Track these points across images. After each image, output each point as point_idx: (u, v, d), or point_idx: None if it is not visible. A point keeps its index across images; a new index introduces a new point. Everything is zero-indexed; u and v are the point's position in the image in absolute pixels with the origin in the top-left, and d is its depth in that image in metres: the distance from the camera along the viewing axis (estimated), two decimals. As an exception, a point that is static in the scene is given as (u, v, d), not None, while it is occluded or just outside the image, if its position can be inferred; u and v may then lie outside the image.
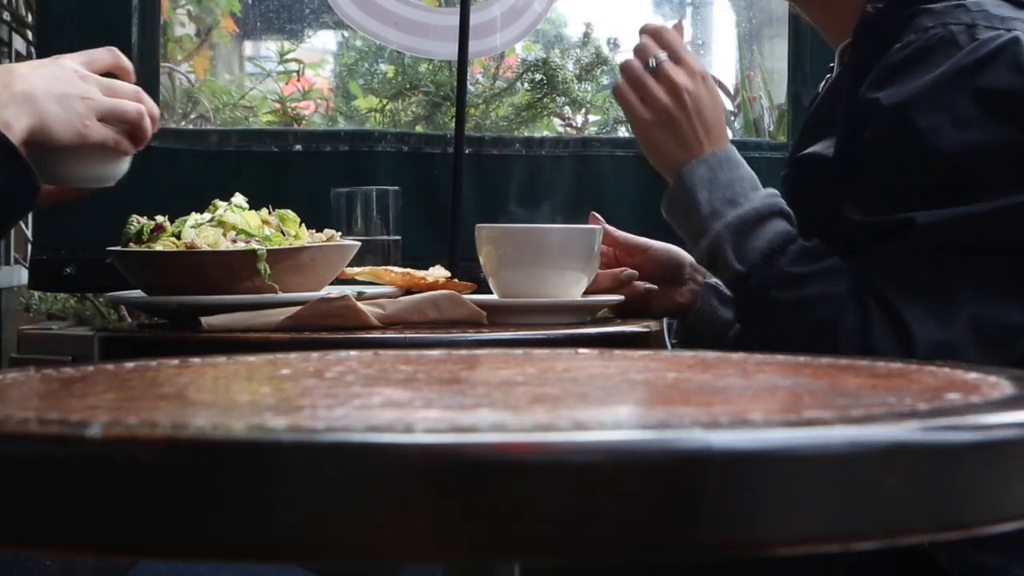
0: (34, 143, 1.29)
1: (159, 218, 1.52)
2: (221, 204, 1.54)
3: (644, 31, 1.48)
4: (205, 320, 1.40)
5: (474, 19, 2.30)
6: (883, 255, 1.32)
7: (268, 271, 1.44)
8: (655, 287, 1.64)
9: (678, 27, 1.50)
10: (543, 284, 1.57)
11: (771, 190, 1.45)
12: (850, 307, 1.32)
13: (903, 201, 1.31)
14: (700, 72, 1.45)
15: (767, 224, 1.40)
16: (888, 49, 1.36)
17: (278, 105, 3.29)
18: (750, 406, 0.65)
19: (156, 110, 1.40)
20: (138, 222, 1.52)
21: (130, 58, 2.24)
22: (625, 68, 1.46)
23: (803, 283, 1.36)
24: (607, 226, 1.64)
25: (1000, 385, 0.68)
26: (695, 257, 1.50)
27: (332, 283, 1.56)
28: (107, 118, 1.35)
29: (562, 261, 1.57)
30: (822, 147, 1.44)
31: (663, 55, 1.45)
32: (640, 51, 1.46)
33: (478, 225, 1.66)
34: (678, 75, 1.43)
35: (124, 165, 1.42)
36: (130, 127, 1.37)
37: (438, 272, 1.64)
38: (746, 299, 1.41)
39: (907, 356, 1.27)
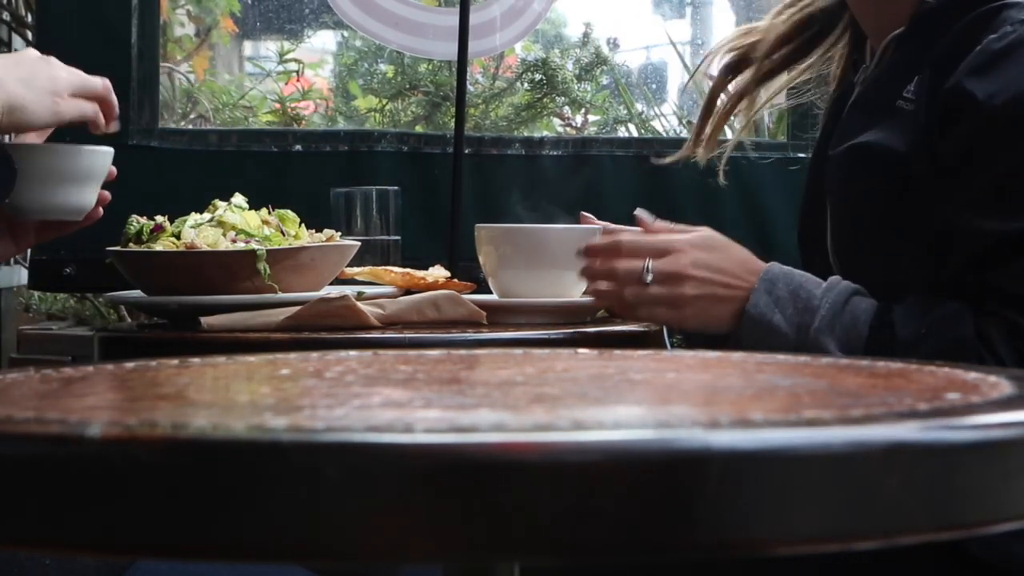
0: (11, 127, 1.29)
1: (159, 218, 1.52)
2: (221, 204, 1.54)
3: (598, 254, 1.40)
4: (205, 320, 1.40)
5: (474, 19, 2.30)
6: None
7: (268, 271, 1.44)
8: None
9: (643, 222, 1.41)
10: (543, 284, 1.57)
11: (833, 278, 1.38)
12: (994, 337, 1.27)
13: None
14: (684, 241, 1.37)
15: (851, 307, 1.34)
16: (971, 41, 1.34)
17: (278, 105, 3.29)
18: (750, 406, 0.65)
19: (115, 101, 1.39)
20: (138, 222, 1.52)
21: (129, 58, 2.25)
22: (633, 301, 1.37)
23: (928, 338, 1.29)
24: (601, 223, 1.62)
25: (1000, 385, 0.68)
26: None
27: (332, 283, 1.56)
28: (77, 94, 1.33)
29: (562, 261, 1.57)
30: (878, 136, 1.40)
31: (648, 263, 1.36)
32: (628, 275, 1.37)
33: (478, 225, 1.65)
34: (675, 264, 1.36)
35: (92, 195, 1.41)
36: (100, 104, 1.35)
37: (438, 272, 1.64)
38: None
39: None
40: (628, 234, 1.40)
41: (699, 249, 1.38)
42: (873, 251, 1.40)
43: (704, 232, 1.40)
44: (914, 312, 1.32)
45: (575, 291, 1.57)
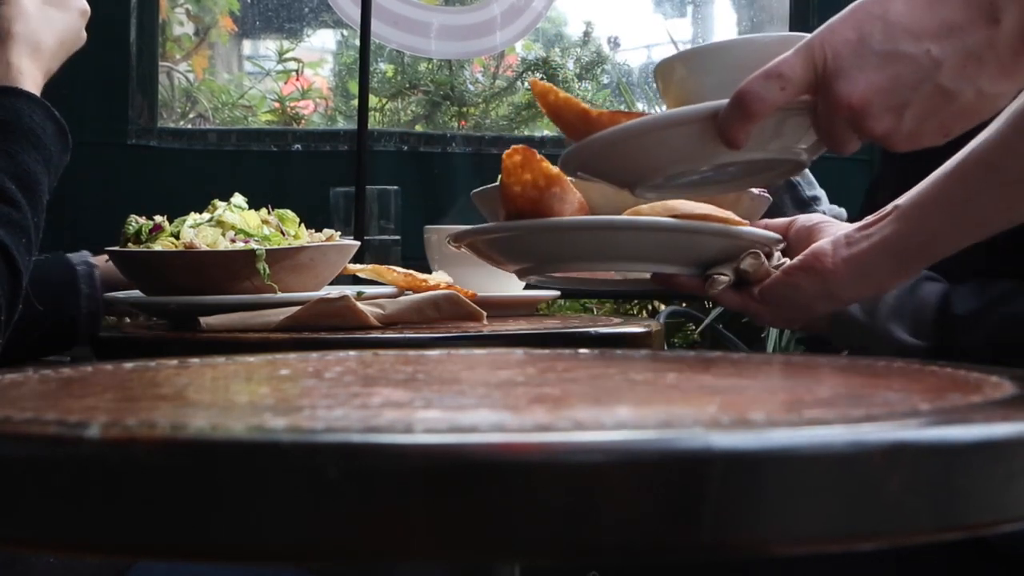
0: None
1: (158, 218, 1.52)
2: (220, 204, 1.53)
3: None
4: (204, 320, 1.40)
5: (474, 18, 2.30)
6: None
7: (267, 271, 1.43)
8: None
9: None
10: (490, 280, 1.62)
11: None
12: None
13: None
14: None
15: (920, 292, 1.34)
16: None
17: (277, 104, 3.29)
18: (751, 406, 0.64)
19: None
20: (137, 222, 1.51)
21: (128, 57, 2.25)
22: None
23: (985, 314, 1.31)
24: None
25: (1002, 385, 0.68)
26: None
27: (333, 281, 1.56)
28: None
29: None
30: None
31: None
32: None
33: (427, 226, 1.69)
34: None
35: None
36: None
37: (441, 277, 1.64)
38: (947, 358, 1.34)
39: None
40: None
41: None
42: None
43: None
44: (972, 291, 1.33)
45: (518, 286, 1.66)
